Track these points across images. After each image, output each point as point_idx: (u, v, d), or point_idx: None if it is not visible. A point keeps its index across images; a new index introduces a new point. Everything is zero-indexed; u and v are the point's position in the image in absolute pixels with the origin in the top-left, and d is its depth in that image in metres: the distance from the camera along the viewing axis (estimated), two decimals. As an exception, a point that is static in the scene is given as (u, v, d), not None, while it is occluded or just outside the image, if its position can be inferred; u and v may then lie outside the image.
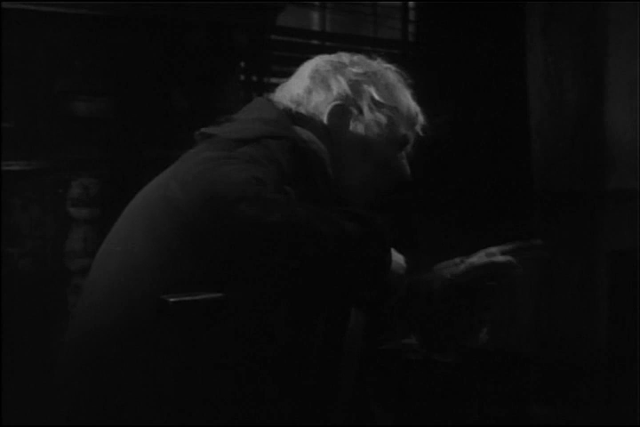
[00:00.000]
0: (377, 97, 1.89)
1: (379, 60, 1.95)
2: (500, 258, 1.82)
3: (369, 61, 1.94)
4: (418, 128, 1.93)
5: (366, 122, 1.88)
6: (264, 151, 1.69)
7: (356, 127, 1.88)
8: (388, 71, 1.94)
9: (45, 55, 2.81)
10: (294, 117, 1.85)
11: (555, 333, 4.01)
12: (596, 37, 4.09)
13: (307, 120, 1.86)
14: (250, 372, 1.64)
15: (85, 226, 2.90)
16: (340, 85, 1.88)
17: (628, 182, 4.06)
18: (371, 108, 1.88)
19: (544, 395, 3.68)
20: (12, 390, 2.51)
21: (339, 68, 1.90)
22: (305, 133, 1.80)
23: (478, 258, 1.83)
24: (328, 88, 1.88)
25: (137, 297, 1.63)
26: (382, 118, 1.88)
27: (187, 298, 1.56)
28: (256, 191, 1.57)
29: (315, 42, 3.88)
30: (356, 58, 1.94)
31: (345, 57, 1.94)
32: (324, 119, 1.86)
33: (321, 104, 1.88)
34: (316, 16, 3.92)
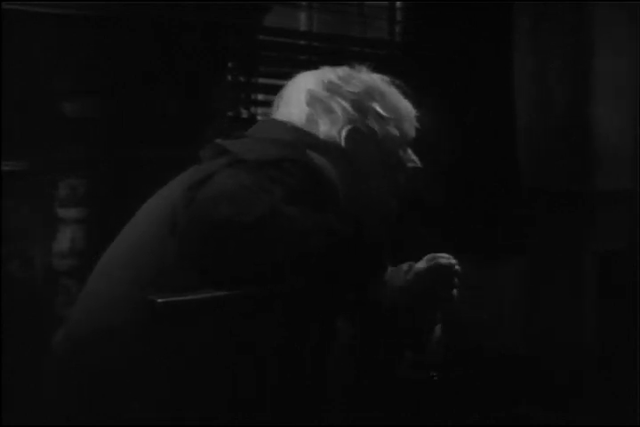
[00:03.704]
0: (381, 111, 1.92)
1: (362, 69, 1.97)
2: (443, 259, 1.84)
3: (355, 74, 1.95)
4: (415, 121, 1.97)
5: (380, 138, 1.91)
6: (279, 175, 1.67)
7: (372, 144, 1.90)
8: (377, 80, 1.96)
9: (39, 55, 2.81)
10: (308, 143, 1.85)
11: (546, 332, 4.02)
12: (587, 38, 4.10)
13: (320, 145, 1.86)
14: (242, 373, 1.64)
15: (73, 226, 2.90)
16: (344, 108, 1.89)
17: (619, 183, 4.08)
18: (380, 123, 1.91)
19: (542, 396, 3.69)
20: (7, 389, 2.51)
21: (334, 90, 1.91)
22: (318, 159, 1.81)
23: (422, 264, 1.85)
24: (332, 114, 1.89)
25: (137, 300, 1.64)
26: (392, 130, 1.93)
27: (174, 298, 1.56)
28: (235, 192, 1.58)
29: (302, 42, 3.88)
30: (341, 73, 1.95)
31: (330, 73, 1.94)
32: (341, 143, 1.88)
33: (330, 130, 1.89)
34: (303, 16, 3.92)
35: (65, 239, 2.89)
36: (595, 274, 4.00)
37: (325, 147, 1.86)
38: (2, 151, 2.71)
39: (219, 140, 1.82)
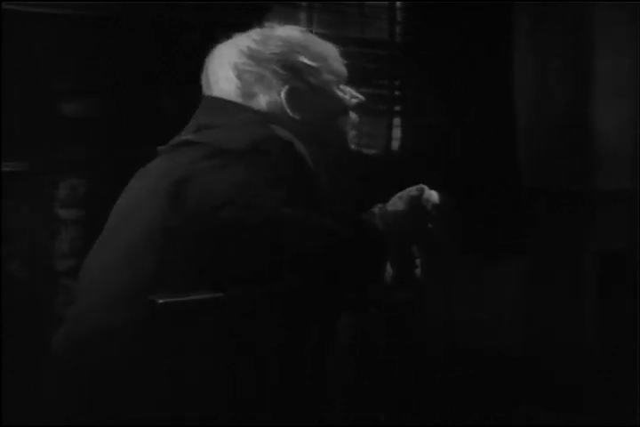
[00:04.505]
0: (310, 62, 1.90)
1: (274, 25, 1.95)
2: (412, 190, 1.80)
3: (270, 33, 1.92)
4: (341, 58, 1.96)
5: (318, 88, 1.90)
6: (263, 159, 1.67)
7: (313, 97, 1.89)
8: (293, 32, 1.94)
9: (39, 55, 2.81)
10: (268, 119, 1.84)
11: (546, 332, 4.02)
12: (587, 38, 4.10)
13: (276, 118, 1.84)
14: (242, 373, 1.64)
15: (73, 227, 2.90)
16: (274, 72, 1.87)
17: (619, 183, 4.07)
18: (313, 74, 1.89)
19: (542, 396, 3.69)
20: (7, 389, 2.51)
21: (257, 57, 1.88)
22: (281, 131, 1.80)
23: (396, 204, 1.79)
24: (265, 80, 1.87)
25: (135, 300, 1.63)
26: (326, 76, 1.91)
27: (175, 299, 1.56)
28: (237, 195, 1.58)
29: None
30: (256, 36, 1.91)
31: (246, 40, 1.91)
32: (285, 108, 1.86)
33: (270, 97, 1.86)
34: (303, 16, 3.92)
35: (65, 239, 2.89)
36: (595, 274, 4.00)
37: (280, 119, 1.84)
38: (2, 151, 2.71)
39: (186, 136, 1.81)
